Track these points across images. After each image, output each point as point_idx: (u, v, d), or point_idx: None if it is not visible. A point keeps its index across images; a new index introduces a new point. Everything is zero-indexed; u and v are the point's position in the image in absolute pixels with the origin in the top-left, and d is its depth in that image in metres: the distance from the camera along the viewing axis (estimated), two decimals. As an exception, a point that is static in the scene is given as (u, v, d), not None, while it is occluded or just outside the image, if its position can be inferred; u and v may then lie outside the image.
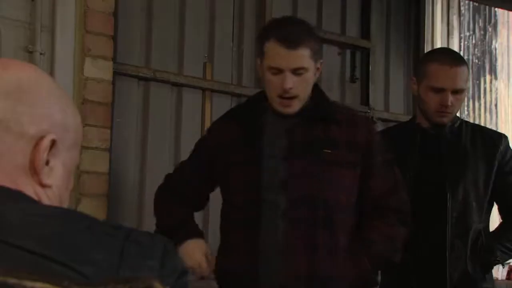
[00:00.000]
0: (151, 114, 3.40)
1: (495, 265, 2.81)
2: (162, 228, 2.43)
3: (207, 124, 3.50)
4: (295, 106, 2.29)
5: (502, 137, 2.81)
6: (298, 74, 2.25)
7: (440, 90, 2.62)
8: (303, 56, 2.25)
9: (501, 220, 2.90)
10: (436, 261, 2.67)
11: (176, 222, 2.41)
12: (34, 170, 0.98)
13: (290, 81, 2.24)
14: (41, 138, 0.98)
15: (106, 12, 3.03)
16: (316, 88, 2.40)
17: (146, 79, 3.39)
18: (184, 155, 3.43)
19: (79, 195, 2.89)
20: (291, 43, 2.23)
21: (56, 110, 1.00)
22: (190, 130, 3.50)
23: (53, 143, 0.99)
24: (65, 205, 1.06)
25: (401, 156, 2.67)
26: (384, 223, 2.35)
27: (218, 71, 3.63)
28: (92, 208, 2.88)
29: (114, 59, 3.10)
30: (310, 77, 2.29)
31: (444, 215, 2.66)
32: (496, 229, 2.82)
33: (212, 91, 3.59)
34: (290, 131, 2.30)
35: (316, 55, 2.30)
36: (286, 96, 2.27)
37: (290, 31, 2.27)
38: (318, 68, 2.33)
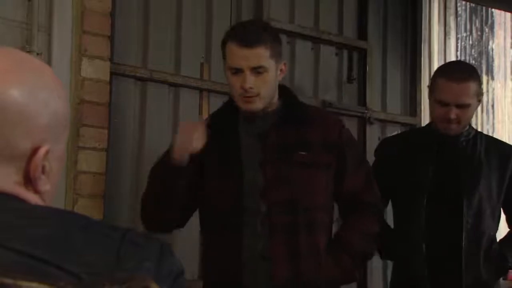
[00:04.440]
0: (148, 114, 3.39)
1: (508, 270, 2.96)
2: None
3: (204, 124, 3.50)
4: (258, 104, 2.30)
5: None
6: (258, 73, 2.26)
7: (445, 104, 2.70)
8: (260, 54, 2.27)
9: (508, 229, 2.98)
10: (451, 267, 2.73)
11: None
12: (30, 182, 0.96)
13: (249, 80, 2.25)
14: (34, 151, 0.95)
15: (103, 12, 3.02)
16: (285, 90, 2.43)
17: (143, 79, 3.38)
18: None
19: (76, 195, 2.89)
20: (248, 41, 2.26)
21: (42, 112, 0.95)
22: (187, 130, 3.49)
23: (47, 151, 0.96)
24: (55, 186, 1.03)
25: (418, 161, 2.75)
26: (360, 220, 2.41)
27: (215, 71, 3.62)
28: (89, 208, 2.87)
29: (111, 59, 3.09)
30: (271, 77, 2.30)
31: (460, 221, 2.72)
32: (506, 236, 2.93)
33: (210, 91, 3.59)
34: (263, 135, 2.33)
35: (277, 56, 2.32)
36: (247, 95, 2.28)
37: (247, 31, 2.30)
38: (281, 70, 2.35)
